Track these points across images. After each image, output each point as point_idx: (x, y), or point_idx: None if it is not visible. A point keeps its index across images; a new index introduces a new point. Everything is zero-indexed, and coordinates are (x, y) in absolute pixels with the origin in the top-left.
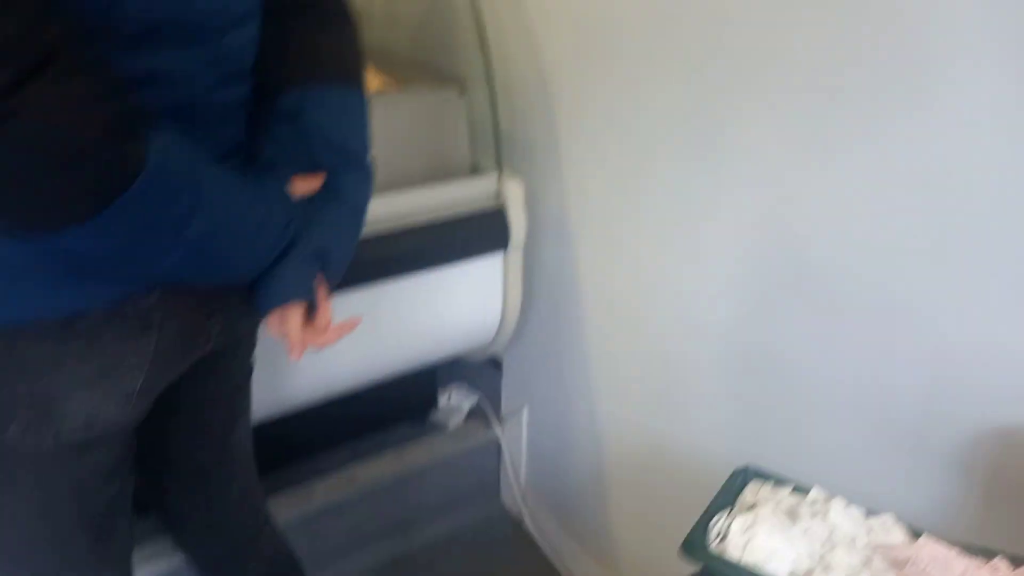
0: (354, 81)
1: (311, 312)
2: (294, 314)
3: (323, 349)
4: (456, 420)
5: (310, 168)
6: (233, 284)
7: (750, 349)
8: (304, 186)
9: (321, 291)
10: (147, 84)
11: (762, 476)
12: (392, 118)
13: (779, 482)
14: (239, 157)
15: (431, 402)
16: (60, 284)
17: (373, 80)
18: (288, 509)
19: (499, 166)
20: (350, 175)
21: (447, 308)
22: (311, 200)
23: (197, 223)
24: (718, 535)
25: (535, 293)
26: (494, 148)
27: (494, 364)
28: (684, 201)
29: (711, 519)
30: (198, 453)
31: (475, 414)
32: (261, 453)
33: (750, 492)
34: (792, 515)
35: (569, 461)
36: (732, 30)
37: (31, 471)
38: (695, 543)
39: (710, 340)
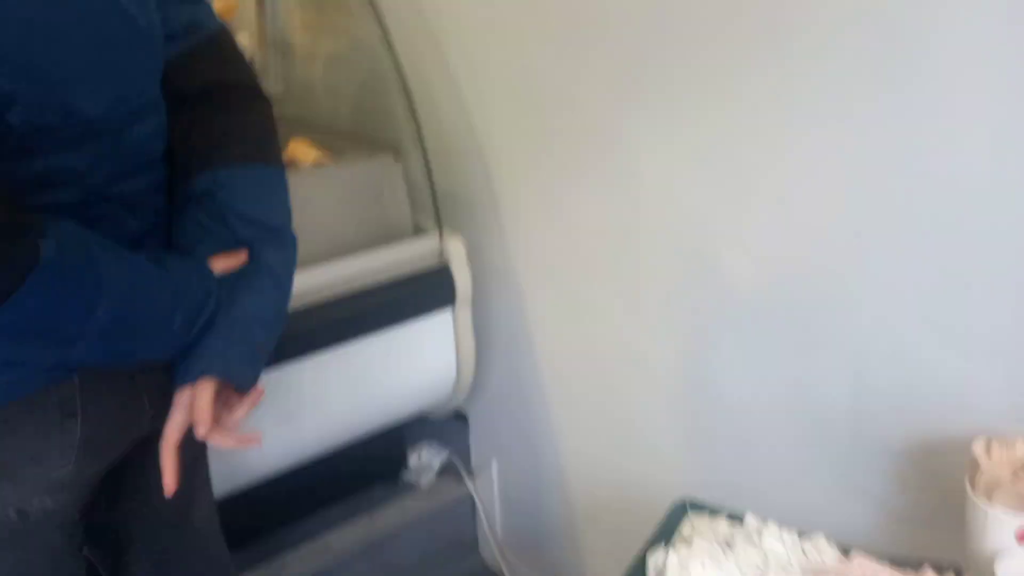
0: (265, 157)
1: (234, 397)
2: (204, 390)
3: (214, 444)
4: (428, 478)
5: (231, 245)
6: (154, 365)
7: (689, 380)
8: (225, 263)
9: (250, 394)
10: (44, 184)
11: (699, 507)
12: (332, 188)
13: (714, 512)
14: (156, 239)
15: (401, 462)
16: None
17: (311, 153)
18: None
19: (439, 225)
20: (270, 248)
21: (403, 367)
22: (235, 275)
23: (101, 312)
24: (656, 571)
25: (490, 345)
26: (432, 208)
27: (460, 419)
28: (614, 239)
29: (648, 555)
30: (161, 535)
31: (446, 470)
32: (230, 528)
33: (687, 524)
34: (728, 544)
35: (541, 507)
36: (642, 81)
37: None
38: None
39: (653, 373)
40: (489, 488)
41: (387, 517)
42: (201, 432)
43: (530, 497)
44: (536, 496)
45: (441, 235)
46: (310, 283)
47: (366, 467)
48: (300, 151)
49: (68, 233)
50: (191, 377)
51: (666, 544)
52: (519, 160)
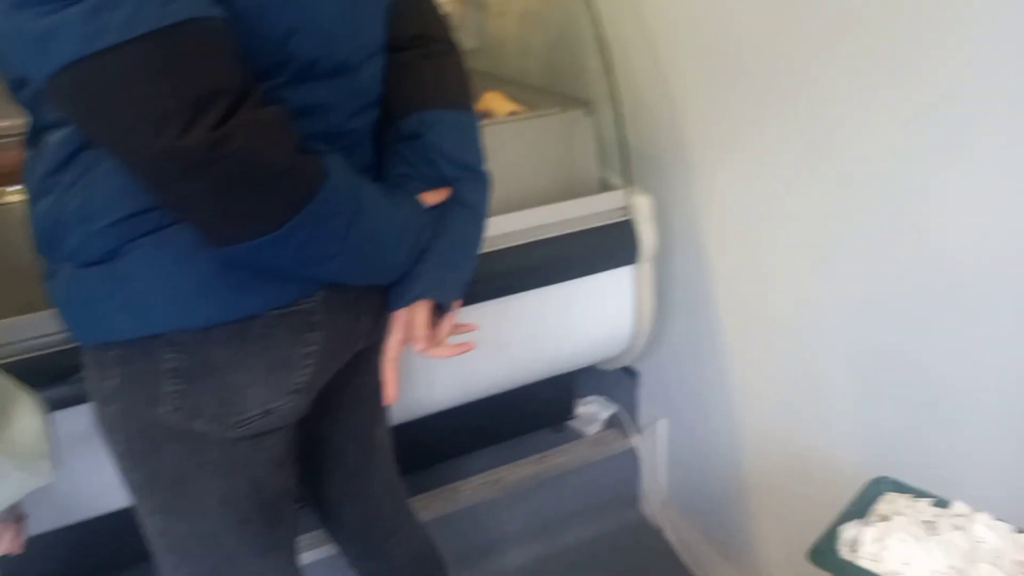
0: (462, 103)
1: (437, 317)
2: (420, 312)
3: (434, 358)
4: (594, 429)
5: (436, 182)
6: (379, 285)
7: (887, 356)
8: (433, 198)
9: (451, 311)
10: (305, 114)
11: (899, 487)
12: (524, 139)
13: (918, 495)
14: (369, 175)
15: (568, 411)
16: (238, 290)
17: (506, 105)
18: (432, 510)
19: (627, 181)
20: (470, 185)
21: (581, 318)
22: (439, 209)
23: (357, 229)
24: (849, 544)
25: (670, 304)
26: (620, 164)
27: (631, 374)
28: (812, 205)
29: (841, 528)
30: (346, 450)
31: (613, 424)
32: (408, 454)
33: (885, 503)
34: (930, 527)
35: (709, 471)
36: (850, 37)
37: (216, 460)
38: (823, 550)
39: (846, 347)
40: (655, 446)
41: (554, 461)
42: (420, 347)
43: (697, 458)
44: (704, 458)
45: (628, 191)
46: (497, 231)
47: (536, 412)
48: (495, 103)
49: (335, 156)
50: (408, 299)
51: (860, 520)
52: (713, 119)
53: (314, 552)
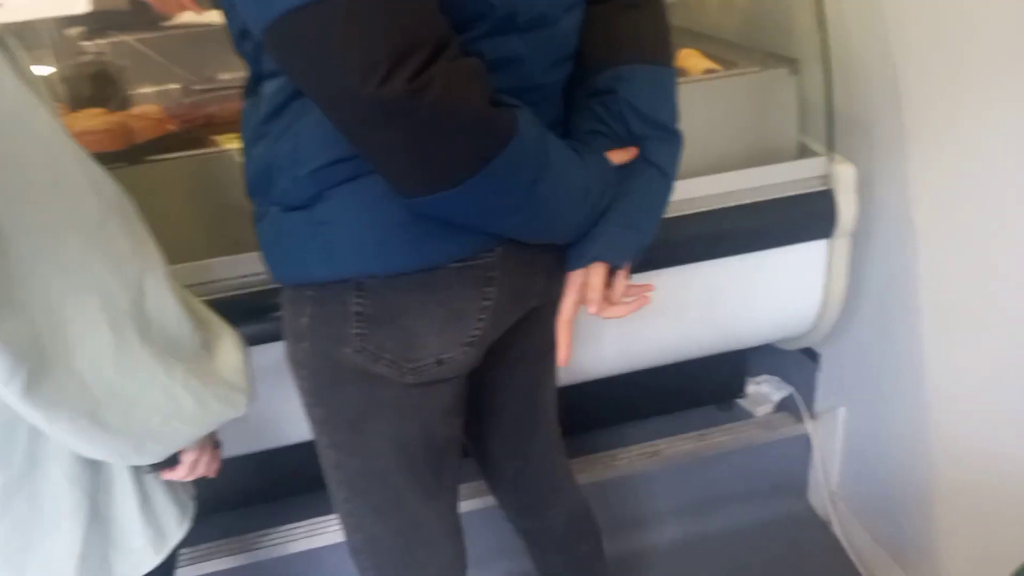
0: (661, 58)
1: (612, 277)
2: (596, 273)
3: (608, 318)
4: (764, 410)
5: (625, 140)
6: (557, 243)
7: None
8: (620, 156)
9: (623, 270)
10: (500, 67)
11: None
12: (719, 100)
13: None
14: (558, 131)
15: (738, 389)
16: (423, 241)
17: (701, 63)
18: (588, 474)
19: (830, 148)
20: (661, 145)
21: (763, 293)
22: (626, 168)
23: (542, 185)
24: None
25: (863, 285)
26: (825, 129)
27: (810, 357)
28: None
29: None
30: (511, 406)
31: (785, 407)
32: (570, 417)
33: None
34: None
35: (888, 469)
36: None
37: (391, 403)
38: None
39: None
40: (831, 436)
41: (717, 438)
42: (593, 310)
43: (877, 453)
44: (884, 454)
45: (830, 159)
46: (686, 194)
47: (703, 387)
48: (690, 61)
49: (525, 110)
50: (585, 261)
51: None
52: (938, 86)
53: (474, 501)
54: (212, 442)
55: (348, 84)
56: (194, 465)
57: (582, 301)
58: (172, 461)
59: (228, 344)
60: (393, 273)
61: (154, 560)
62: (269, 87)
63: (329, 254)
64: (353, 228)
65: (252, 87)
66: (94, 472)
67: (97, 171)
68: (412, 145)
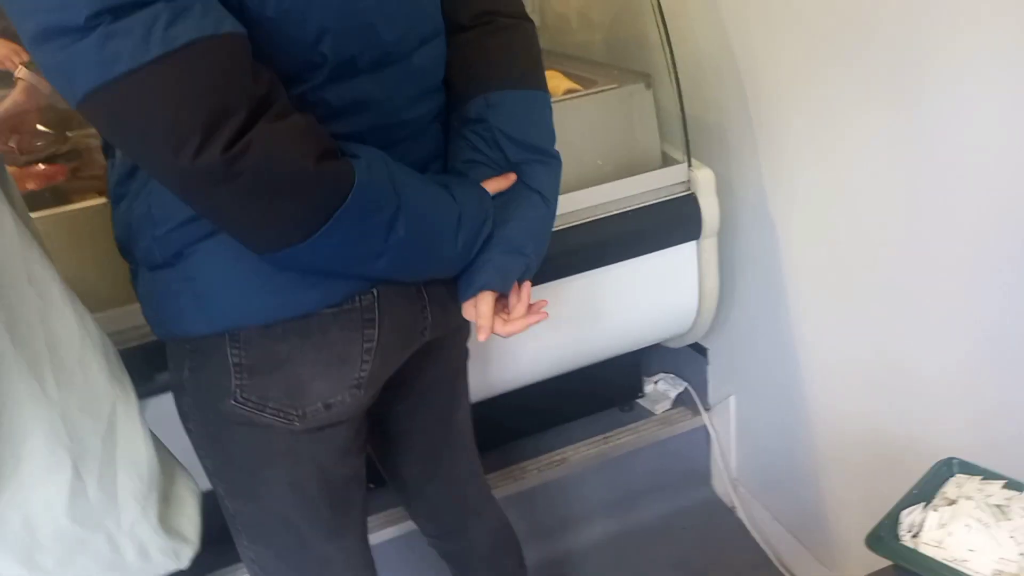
0: (532, 81)
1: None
2: (484, 301)
3: (508, 336)
4: (663, 407)
5: (503, 167)
6: (441, 277)
7: (985, 332)
8: (497, 184)
9: (517, 287)
10: (350, 111)
11: (969, 469)
12: (582, 117)
13: (988, 476)
14: (437, 164)
15: (637, 389)
16: (291, 290)
17: (562, 84)
18: (504, 488)
19: (688, 155)
20: (538, 168)
21: (645, 296)
22: (505, 195)
23: (400, 227)
24: (910, 529)
25: (736, 280)
26: (683, 137)
27: (699, 352)
28: (892, 176)
29: (903, 512)
30: (427, 432)
31: (682, 402)
32: (479, 434)
33: (953, 486)
34: (1001, 512)
35: (780, 450)
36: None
37: (282, 451)
38: (882, 536)
39: (932, 323)
40: (726, 423)
41: (622, 439)
42: (482, 336)
43: (769, 436)
44: (776, 436)
45: (690, 165)
46: (561, 209)
47: (604, 391)
48: (552, 82)
49: (373, 156)
50: (472, 291)
51: (926, 504)
52: (783, 88)
53: (393, 529)
54: None
55: (163, 157)
56: None
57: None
58: None
59: (184, 492)
60: (267, 323)
61: None
62: (118, 150)
63: (200, 309)
64: (220, 281)
65: (106, 147)
66: None
67: (81, 307)
68: (245, 207)
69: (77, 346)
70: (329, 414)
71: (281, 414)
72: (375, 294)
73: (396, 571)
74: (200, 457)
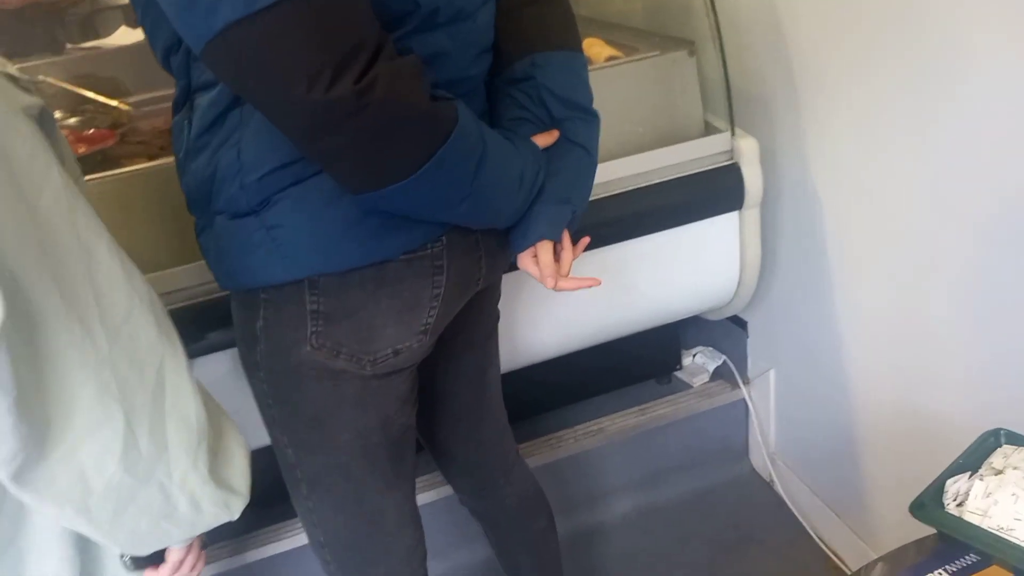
0: (572, 43)
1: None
2: (545, 250)
3: (559, 291)
4: (701, 380)
5: (547, 124)
6: (499, 227)
7: (1009, 305)
8: (544, 140)
9: (566, 237)
10: (429, 62)
11: (1016, 440)
12: (624, 84)
13: None
14: (483, 122)
15: (675, 362)
16: (373, 236)
17: (604, 51)
18: (538, 456)
19: (731, 124)
20: (580, 125)
21: (685, 267)
22: (550, 151)
23: (483, 172)
24: (955, 498)
25: (778, 252)
26: (726, 106)
27: (739, 324)
28: (934, 148)
29: (948, 480)
30: (461, 392)
31: (720, 375)
32: (515, 403)
33: (1000, 456)
34: None
35: (820, 424)
36: None
37: (352, 397)
38: (926, 504)
39: (965, 295)
40: (765, 397)
41: (659, 412)
42: (550, 284)
43: (808, 410)
44: (815, 410)
45: (733, 134)
46: (599, 179)
47: (641, 363)
48: (593, 50)
49: (460, 102)
50: (530, 241)
51: (972, 473)
52: (829, 59)
53: (428, 494)
54: (200, 542)
55: (295, 92)
56: (178, 565)
57: (539, 278)
58: (156, 558)
59: (233, 445)
60: (346, 270)
61: None
62: (203, 100)
63: (282, 256)
64: (304, 229)
65: (182, 101)
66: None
67: (129, 263)
68: (361, 144)
69: (125, 301)
70: (396, 360)
71: (354, 359)
72: (444, 242)
73: (433, 534)
74: (265, 408)
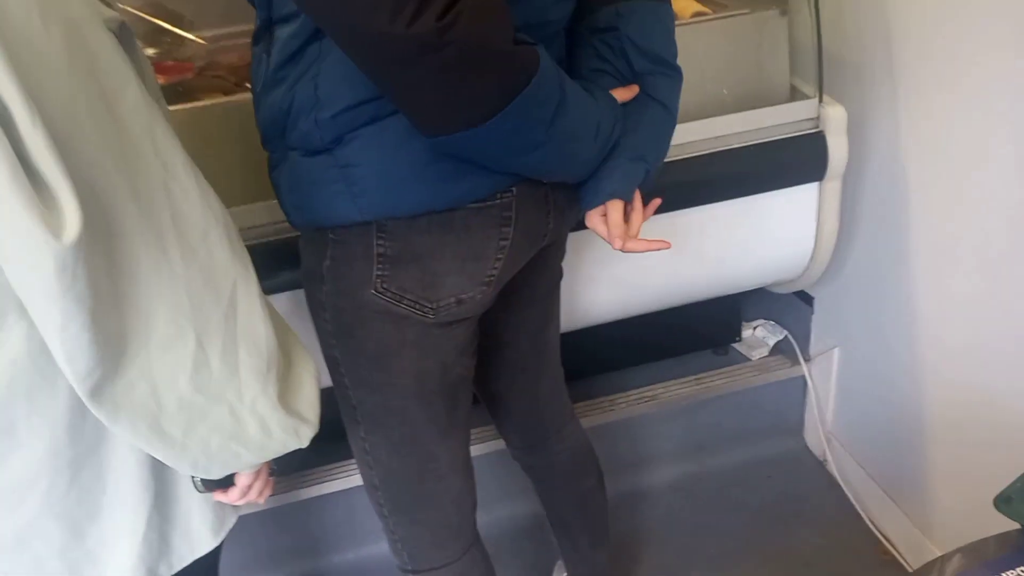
0: None
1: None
2: (615, 209)
3: (626, 253)
4: (760, 354)
5: (627, 77)
6: (570, 181)
7: None
8: (624, 94)
9: (637, 197)
10: (513, 3)
11: None
12: (710, 41)
13: None
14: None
15: (734, 333)
16: (444, 181)
17: (692, 6)
18: (591, 418)
19: (820, 90)
20: (662, 80)
21: (756, 237)
22: (628, 105)
23: (560, 120)
24: None
25: (855, 227)
26: (816, 71)
27: (804, 300)
28: None
29: None
30: (521, 346)
31: (781, 350)
32: (571, 363)
33: None
34: None
35: (882, 408)
36: None
37: (413, 341)
38: (1012, 498)
39: None
40: (826, 376)
41: (714, 382)
42: (618, 244)
43: (871, 393)
44: (879, 393)
45: (821, 101)
46: (678, 139)
47: (700, 332)
48: (680, 4)
49: (541, 48)
50: (602, 197)
51: None
52: (938, 29)
53: (478, 447)
54: (268, 468)
55: (377, 24)
56: (247, 490)
57: (606, 237)
58: (226, 482)
59: (304, 373)
60: (415, 214)
61: (211, 543)
62: (283, 32)
63: (353, 196)
64: (376, 170)
65: (262, 34)
66: None
67: (204, 182)
68: (440, 83)
69: (200, 221)
70: (459, 309)
71: (417, 305)
72: (514, 192)
73: (481, 487)
74: (327, 348)
